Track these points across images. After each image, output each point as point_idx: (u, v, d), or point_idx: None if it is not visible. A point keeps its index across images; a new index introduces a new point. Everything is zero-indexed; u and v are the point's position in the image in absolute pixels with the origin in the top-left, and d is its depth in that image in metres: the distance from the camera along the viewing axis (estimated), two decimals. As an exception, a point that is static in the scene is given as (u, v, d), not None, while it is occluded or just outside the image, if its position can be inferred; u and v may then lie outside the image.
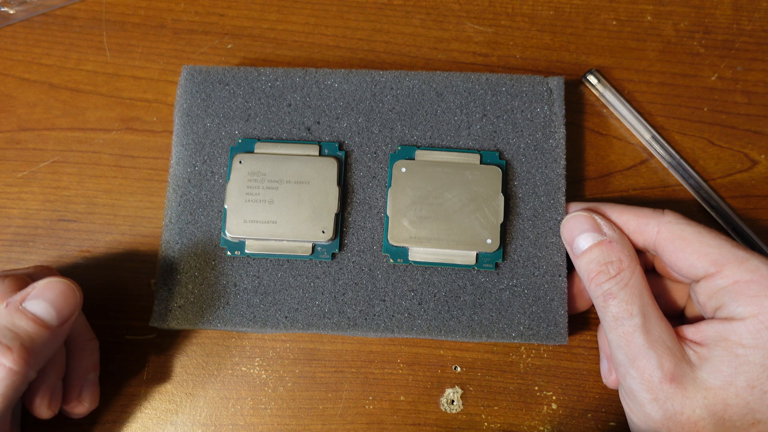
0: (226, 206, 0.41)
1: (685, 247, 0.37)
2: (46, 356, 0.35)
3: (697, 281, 0.37)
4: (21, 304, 0.34)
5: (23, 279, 0.37)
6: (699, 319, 0.39)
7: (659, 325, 0.35)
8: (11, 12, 0.47)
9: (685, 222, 0.37)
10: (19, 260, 0.44)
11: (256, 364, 0.43)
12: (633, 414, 0.36)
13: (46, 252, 0.44)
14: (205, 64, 0.47)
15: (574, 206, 0.41)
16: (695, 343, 0.35)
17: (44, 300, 0.34)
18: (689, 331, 0.36)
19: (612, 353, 0.37)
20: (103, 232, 0.45)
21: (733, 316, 0.35)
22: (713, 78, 0.46)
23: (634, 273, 0.37)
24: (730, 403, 0.34)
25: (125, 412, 0.42)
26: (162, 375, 0.43)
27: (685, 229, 0.37)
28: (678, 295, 0.41)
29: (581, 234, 0.39)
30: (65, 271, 0.44)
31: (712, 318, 0.36)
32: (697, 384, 0.34)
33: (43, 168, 0.46)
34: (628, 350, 0.35)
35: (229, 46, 0.47)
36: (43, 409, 0.37)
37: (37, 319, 0.34)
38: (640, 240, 0.38)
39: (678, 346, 0.35)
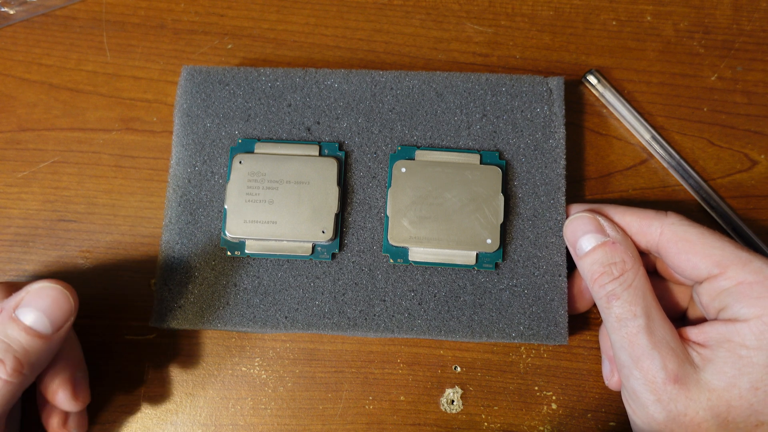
0: (226, 206, 0.41)
1: (688, 248, 0.37)
2: (44, 362, 0.34)
3: (700, 283, 0.37)
4: (14, 312, 0.33)
5: (16, 287, 0.36)
6: (701, 320, 0.39)
7: (663, 326, 0.35)
8: (11, 12, 0.47)
9: (688, 223, 0.37)
10: (19, 260, 0.44)
11: (256, 364, 0.43)
12: (636, 415, 0.36)
13: (46, 252, 0.44)
14: (205, 64, 0.47)
15: (576, 207, 0.41)
16: (698, 344, 0.35)
17: (37, 309, 0.33)
18: (692, 332, 0.36)
19: (615, 354, 0.37)
20: (103, 232, 0.45)
21: (737, 318, 0.35)
22: (713, 78, 0.46)
23: (638, 274, 0.37)
24: (733, 405, 0.34)
25: (125, 413, 0.42)
26: (162, 375, 0.43)
27: (688, 231, 0.37)
28: (680, 296, 0.41)
29: (585, 235, 0.39)
30: (65, 271, 0.44)
31: (716, 319, 0.36)
32: (700, 385, 0.34)
33: (43, 168, 0.46)
34: (632, 351, 0.35)
35: (229, 46, 0.47)
36: (69, 402, 0.37)
37: (30, 330, 0.33)
38: (643, 241, 0.38)
39: (681, 347, 0.35)
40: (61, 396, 0.36)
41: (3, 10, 0.47)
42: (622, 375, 0.37)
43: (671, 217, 0.38)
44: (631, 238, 0.39)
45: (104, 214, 0.45)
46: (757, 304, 0.34)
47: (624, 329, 0.36)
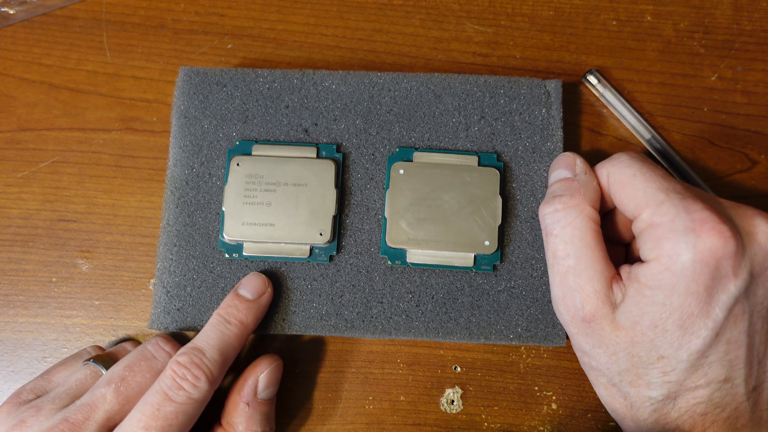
0: (224, 208, 0.41)
1: (620, 190, 0.38)
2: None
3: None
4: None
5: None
6: None
7: (592, 268, 0.37)
8: (11, 12, 0.48)
9: (627, 164, 0.38)
10: (19, 260, 0.44)
11: (256, 364, 0.43)
12: (573, 344, 0.39)
13: (46, 252, 0.45)
14: (206, 64, 0.47)
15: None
16: (623, 283, 0.37)
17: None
18: (624, 271, 0.37)
19: (550, 286, 0.39)
20: (103, 232, 0.45)
21: (644, 259, 0.36)
22: (713, 78, 0.46)
23: (581, 214, 0.38)
24: (637, 341, 0.35)
25: (125, 412, 0.42)
26: (162, 375, 0.43)
27: (623, 172, 0.38)
28: None
29: (557, 169, 0.40)
30: (65, 271, 0.44)
31: (638, 259, 0.38)
32: (614, 324, 0.36)
33: (43, 168, 0.46)
34: (560, 288, 0.37)
35: (229, 46, 0.47)
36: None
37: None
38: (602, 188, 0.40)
39: (606, 290, 0.36)
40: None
41: (3, 10, 0.47)
42: (553, 305, 0.39)
43: (615, 159, 0.39)
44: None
45: (104, 214, 0.45)
46: (657, 246, 0.35)
47: (556, 266, 0.38)
